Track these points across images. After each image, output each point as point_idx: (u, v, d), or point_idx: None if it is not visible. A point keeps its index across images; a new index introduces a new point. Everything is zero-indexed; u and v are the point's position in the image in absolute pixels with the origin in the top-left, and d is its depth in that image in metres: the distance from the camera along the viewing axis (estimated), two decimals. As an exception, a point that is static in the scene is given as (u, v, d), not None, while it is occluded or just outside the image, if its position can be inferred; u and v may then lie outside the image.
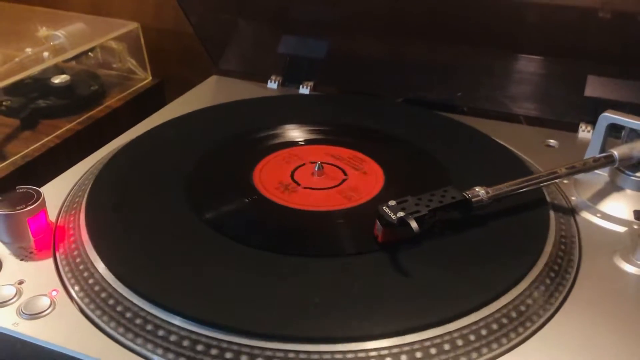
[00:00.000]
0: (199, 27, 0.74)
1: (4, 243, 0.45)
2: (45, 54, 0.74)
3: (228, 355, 0.35)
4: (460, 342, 0.36)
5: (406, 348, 0.36)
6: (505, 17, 0.62)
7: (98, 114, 0.72)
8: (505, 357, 0.37)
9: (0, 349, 0.39)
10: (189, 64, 0.87)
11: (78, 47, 0.76)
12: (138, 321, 0.38)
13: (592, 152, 0.52)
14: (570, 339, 0.38)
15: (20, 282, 0.41)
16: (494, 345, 0.37)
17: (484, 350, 0.36)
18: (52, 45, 0.75)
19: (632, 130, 0.50)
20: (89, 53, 0.80)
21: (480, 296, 0.39)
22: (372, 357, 0.35)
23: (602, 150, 0.52)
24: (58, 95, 0.72)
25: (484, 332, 0.37)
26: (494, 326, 0.37)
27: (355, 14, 0.69)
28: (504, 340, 0.37)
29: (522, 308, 0.39)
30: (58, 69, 0.75)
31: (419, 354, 0.36)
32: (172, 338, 0.36)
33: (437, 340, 0.36)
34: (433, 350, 0.36)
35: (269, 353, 0.35)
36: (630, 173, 0.50)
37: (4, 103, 0.69)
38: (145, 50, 0.80)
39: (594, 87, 0.62)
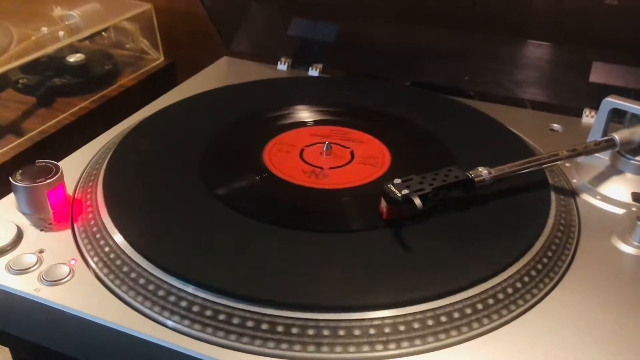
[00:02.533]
0: (211, 8, 0.75)
1: (25, 214, 0.47)
2: (61, 33, 0.75)
3: (235, 320, 0.37)
4: (456, 315, 0.38)
5: (404, 319, 0.37)
6: (513, 3, 0.63)
7: (111, 93, 0.74)
8: (501, 330, 0.38)
9: (22, 313, 0.41)
10: (200, 45, 0.88)
11: (92, 27, 0.77)
12: (151, 287, 0.39)
13: (594, 136, 0.53)
14: (566, 316, 0.39)
15: (41, 251, 0.43)
16: (486, 321, 0.38)
17: (476, 324, 0.38)
18: (67, 24, 0.77)
19: (634, 115, 0.51)
20: (103, 33, 0.81)
21: (479, 271, 0.40)
22: (373, 326, 0.37)
23: (604, 134, 0.53)
24: (73, 74, 0.74)
25: (480, 306, 0.39)
26: (490, 301, 0.39)
27: (365, -2, 0.70)
28: (499, 315, 0.39)
29: (519, 285, 0.40)
30: (73, 48, 0.76)
31: (416, 325, 0.37)
32: (183, 304, 0.38)
33: (431, 314, 0.38)
34: (430, 322, 0.37)
35: (276, 320, 0.37)
36: (630, 157, 0.51)
37: (20, 81, 0.71)
38: (158, 31, 0.82)
39: (598, 73, 0.63)
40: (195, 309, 0.38)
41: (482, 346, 0.37)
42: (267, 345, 0.36)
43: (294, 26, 0.75)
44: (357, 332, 0.37)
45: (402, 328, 0.37)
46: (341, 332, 0.37)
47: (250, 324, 0.37)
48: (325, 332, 0.37)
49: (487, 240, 0.43)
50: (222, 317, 0.38)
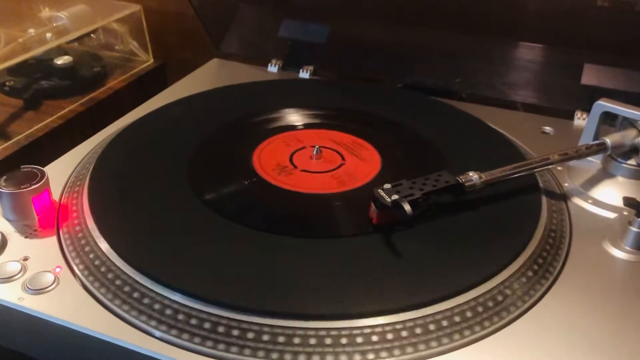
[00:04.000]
0: (200, 9, 0.74)
1: (9, 221, 0.46)
2: (48, 35, 0.74)
3: (220, 329, 0.37)
4: (445, 323, 0.37)
5: (392, 327, 0.37)
6: (505, 5, 0.63)
7: (100, 95, 0.73)
8: (491, 338, 0.38)
9: (6, 323, 0.40)
10: (190, 47, 0.87)
11: (80, 29, 0.76)
12: (136, 295, 0.39)
13: (586, 139, 0.53)
14: (557, 321, 0.39)
15: (25, 259, 0.42)
16: (478, 328, 0.38)
17: (468, 332, 0.38)
18: (54, 26, 0.76)
19: (625, 118, 0.51)
20: (91, 34, 0.80)
21: (469, 278, 0.40)
22: (360, 334, 0.36)
23: (596, 137, 0.52)
24: (61, 76, 0.73)
25: (469, 314, 0.38)
26: (480, 309, 0.39)
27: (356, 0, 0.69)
28: (490, 322, 0.38)
29: (509, 292, 0.40)
30: (61, 50, 0.76)
31: (404, 333, 0.37)
32: (168, 312, 0.38)
33: (421, 322, 0.37)
34: (418, 330, 0.37)
35: (260, 329, 0.36)
36: (621, 160, 0.50)
37: (7, 83, 0.70)
38: (147, 33, 0.81)
39: (590, 76, 0.63)
40: (181, 317, 0.37)
41: (472, 354, 0.37)
42: (258, 355, 0.36)
43: (285, 28, 0.75)
44: (344, 340, 0.36)
45: (390, 336, 0.37)
46: (328, 341, 0.36)
47: (236, 332, 0.37)
48: (312, 341, 0.36)
49: (477, 247, 0.43)
50: (207, 325, 0.37)
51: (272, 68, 0.74)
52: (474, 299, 0.39)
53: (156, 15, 0.85)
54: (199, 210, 0.46)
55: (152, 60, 0.82)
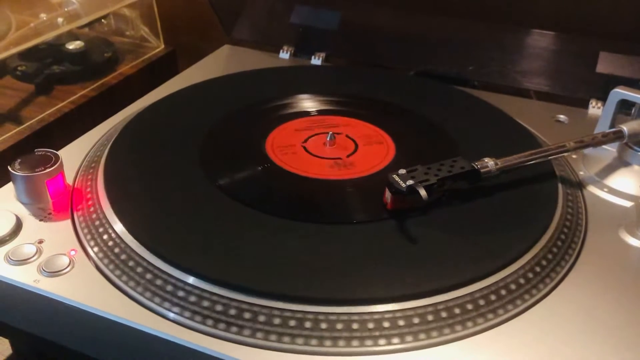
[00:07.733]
0: (212, -5, 0.74)
1: (24, 204, 0.46)
2: (60, 19, 0.74)
3: (232, 311, 0.37)
4: (457, 311, 0.37)
5: (403, 314, 0.37)
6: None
7: (111, 81, 0.73)
8: (505, 326, 0.37)
9: (22, 304, 0.40)
10: (201, 33, 0.87)
11: (92, 14, 0.76)
12: (149, 277, 0.39)
13: (602, 127, 0.52)
14: (573, 310, 0.39)
15: (40, 242, 0.43)
16: (492, 315, 0.38)
17: (482, 319, 0.37)
18: (66, 11, 0.75)
19: (642, 106, 0.51)
20: (103, 20, 0.80)
21: (484, 266, 0.39)
22: (372, 320, 0.36)
23: (612, 125, 0.52)
24: (72, 61, 0.73)
25: (481, 302, 0.38)
26: (492, 297, 0.38)
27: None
28: (505, 310, 0.38)
29: (523, 280, 0.40)
30: (72, 35, 0.75)
31: (416, 320, 0.36)
32: (181, 294, 0.38)
33: (436, 308, 0.37)
34: (430, 317, 0.37)
35: (276, 312, 0.36)
36: (638, 149, 0.50)
37: (19, 68, 0.70)
38: (158, 19, 0.80)
39: (606, 64, 0.62)
40: (194, 299, 0.37)
41: (485, 342, 0.36)
42: (256, 336, 0.36)
43: (297, 14, 0.74)
44: (355, 325, 0.36)
45: (401, 322, 0.36)
46: (339, 326, 0.36)
47: (247, 315, 0.37)
48: (323, 326, 0.36)
49: (492, 233, 0.43)
50: (220, 308, 0.37)
51: (284, 55, 0.74)
52: (488, 287, 0.39)
53: (167, 0, 0.84)
54: (212, 194, 0.46)
55: (163, 46, 0.81)
